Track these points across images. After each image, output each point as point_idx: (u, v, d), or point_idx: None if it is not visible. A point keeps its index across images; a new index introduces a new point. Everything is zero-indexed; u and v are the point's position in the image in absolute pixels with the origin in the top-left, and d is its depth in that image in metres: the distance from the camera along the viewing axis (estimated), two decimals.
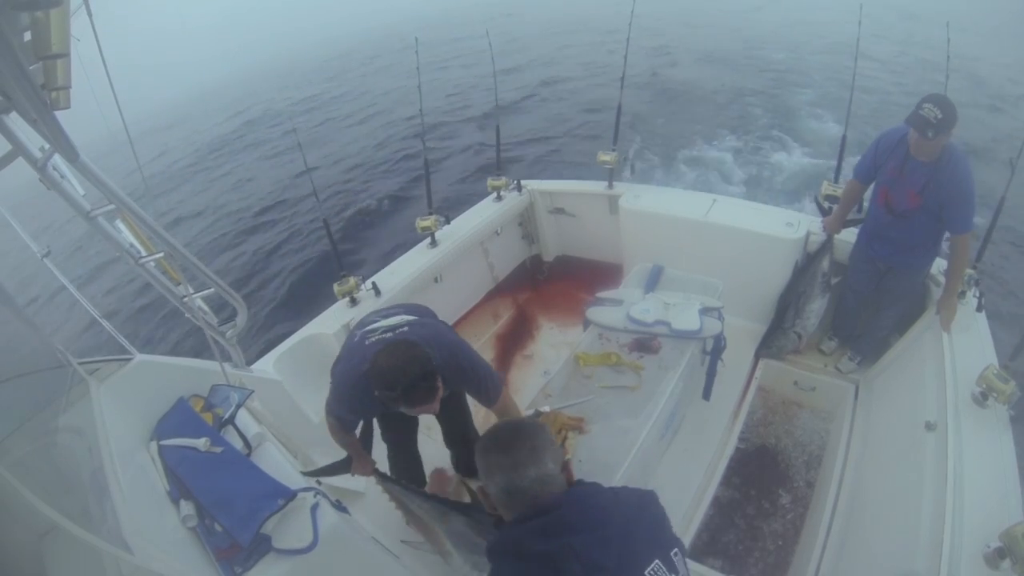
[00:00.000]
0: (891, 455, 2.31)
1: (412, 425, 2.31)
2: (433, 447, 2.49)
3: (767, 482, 2.70)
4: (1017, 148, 2.39)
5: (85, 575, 1.31)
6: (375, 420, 2.19)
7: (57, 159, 1.53)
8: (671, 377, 2.37)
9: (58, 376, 1.75)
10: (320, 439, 2.09)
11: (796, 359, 3.07)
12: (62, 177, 1.59)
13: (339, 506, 1.82)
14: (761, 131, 8.94)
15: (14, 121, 1.36)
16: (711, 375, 2.70)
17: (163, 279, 1.92)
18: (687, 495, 2.42)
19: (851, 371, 2.95)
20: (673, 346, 2.54)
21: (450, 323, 3.62)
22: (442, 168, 8.92)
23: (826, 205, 2.97)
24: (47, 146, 1.44)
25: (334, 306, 3.02)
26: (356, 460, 2.04)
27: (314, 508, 1.64)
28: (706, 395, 2.74)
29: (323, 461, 2.32)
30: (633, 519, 1.01)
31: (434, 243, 3.39)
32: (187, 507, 1.63)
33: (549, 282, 4.15)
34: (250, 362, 2.61)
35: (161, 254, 1.82)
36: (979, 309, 2.37)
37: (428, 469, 2.49)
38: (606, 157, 3.48)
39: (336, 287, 2.97)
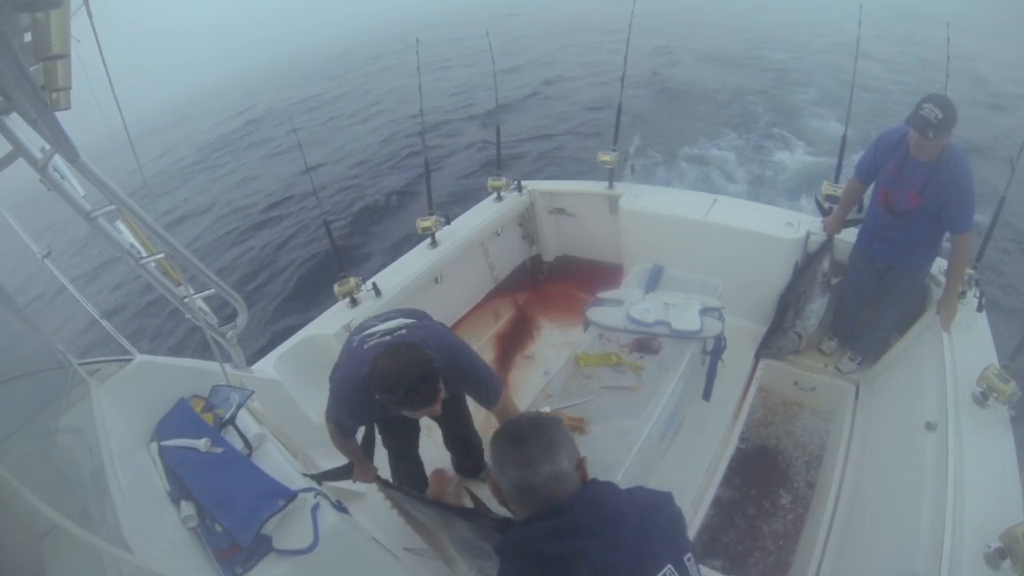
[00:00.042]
0: (891, 455, 2.31)
1: (413, 430, 2.29)
2: (433, 447, 2.49)
3: (767, 482, 2.70)
4: (1017, 147, 2.39)
5: (85, 575, 1.31)
6: (376, 427, 2.19)
7: (57, 160, 1.54)
8: (671, 377, 2.36)
9: (58, 376, 1.75)
10: (320, 440, 2.09)
11: (796, 359, 3.07)
12: (62, 178, 1.59)
13: (339, 506, 1.82)
14: (763, 130, 8.96)
15: (14, 122, 1.36)
16: (711, 375, 2.70)
17: (164, 280, 1.93)
18: (687, 495, 2.42)
19: (851, 371, 2.94)
20: (673, 346, 2.54)
21: (450, 323, 3.65)
22: (447, 165, 9.04)
23: (826, 205, 2.97)
24: (47, 147, 1.45)
25: (334, 307, 3.02)
26: (358, 467, 2.03)
27: (315, 508, 1.64)
28: (706, 395, 2.74)
29: (324, 462, 2.32)
30: (647, 522, 0.99)
31: (434, 243, 3.39)
32: (187, 507, 1.64)
33: (549, 282, 4.15)
34: (251, 362, 2.61)
35: (162, 255, 1.83)
36: (979, 309, 2.37)
37: (428, 470, 2.49)
38: (606, 157, 3.48)
39: (336, 287, 2.97)
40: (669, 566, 0.95)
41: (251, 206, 9.53)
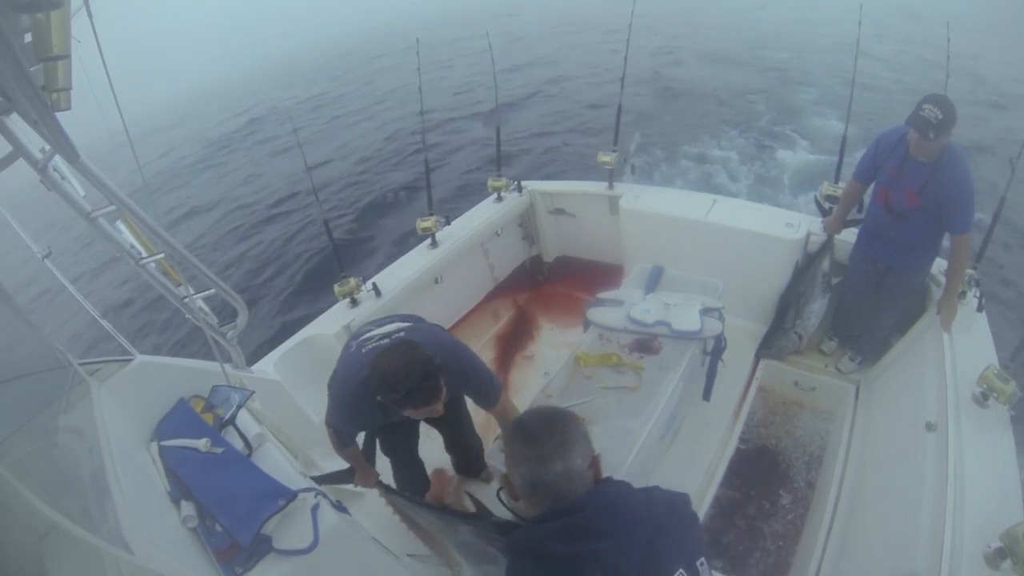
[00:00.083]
0: (891, 455, 2.31)
1: (412, 437, 2.28)
2: (433, 447, 2.49)
3: (767, 482, 2.70)
4: (1018, 147, 2.38)
5: (85, 575, 1.31)
6: (375, 437, 2.17)
7: (58, 160, 1.54)
8: (671, 378, 2.36)
9: (59, 377, 1.75)
10: (320, 440, 2.09)
11: (796, 359, 3.07)
12: (63, 178, 1.59)
13: (339, 506, 1.82)
14: (765, 128, 8.99)
15: (15, 122, 1.36)
16: (711, 375, 2.70)
17: (164, 280, 1.93)
18: None
19: (851, 371, 2.94)
20: (673, 346, 2.54)
21: (450, 323, 3.66)
22: (451, 161, 9.18)
23: (826, 205, 2.97)
24: (48, 147, 1.45)
25: (334, 307, 3.02)
26: (359, 472, 2.02)
27: (314, 508, 1.64)
28: (706, 395, 2.74)
29: (324, 462, 2.32)
30: (661, 524, 0.97)
31: (434, 244, 3.39)
32: (188, 507, 1.64)
33: (549, 283, 4.15)
34: (252, 360, 2.62)
35: (161, 255, 1.83)
36: (979, 309, 2.37)
37: (428, 469, 2.49)
38: (606, 158, 3.48)
39: (336, 288, 2.97)
40: (681, 570, 0.93)
41: (258, 202, 9.63)
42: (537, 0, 27.42)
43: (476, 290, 3.87)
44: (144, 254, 1.82)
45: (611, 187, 3.62)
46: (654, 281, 2.84)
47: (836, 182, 2.98)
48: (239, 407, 1.97)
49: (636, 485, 1.10)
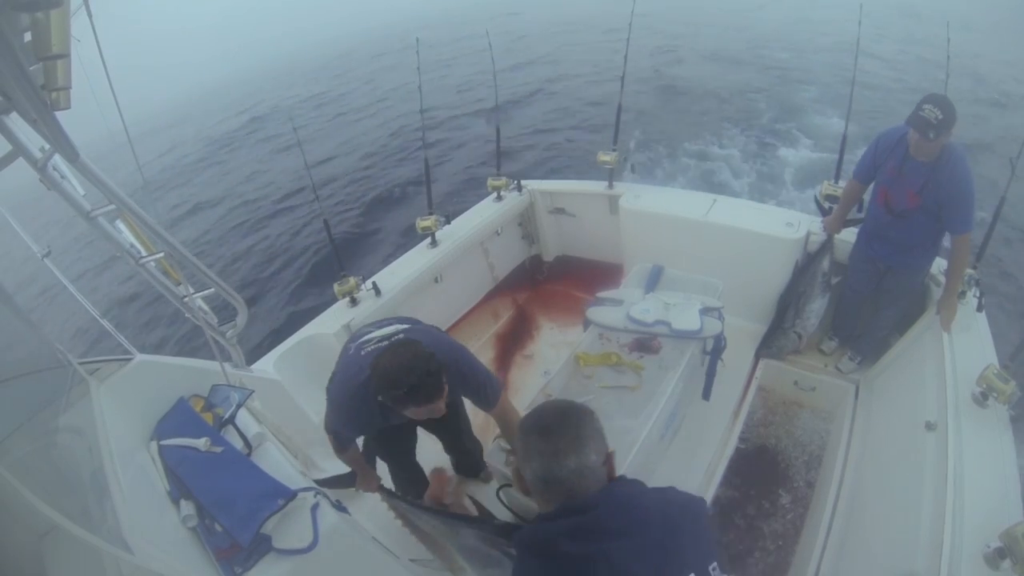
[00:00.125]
0: (891, 455, 2.31)
1: (410, 440, 2.27)
2: (432, 447, 2.49)
3: (767, 482, 2.70)
4: (1018, 147, 2.38)
5: (85, 575, 1.31)
6: (373, 443, 2.17)
7: (57, 159, 1.54)
8: (671, 377, 2.36)
9: (58, 376, 1.75)
10: (321, 439, 2.09)
11: (796, 359, 3.07)
12: (62, 177, 1.59)
13: (339, 506, 1.82)
14: (767, 126, 9.03)
15: (14, 121, 1.36)
16: (711, 375, 2.70)
17: (163, 279, 1.93)
18: None
19: (851, 371, 2.94)
20: (673, 346, 2.54)
21: (450, 323, 3.66)
22: (454, 157, 9.34)
23: (826, 205, 2.96)
24: (47, 146, 1.45)
25: (334, 306, 3.02)
26: (361, 476, 2.01)
27: (314, 508, 1.64)
28: (706, 395, 2.74)
29: (324, 462, 2.32)
30: (674, 526, 0.95)
31: (434, 243, 3.39)
32: (187, 507, 1.64)
33: (549, 282, 4.15)
34: (254, 358, 2.62)
35: (161, 254, 1.83)
36: (979, 309, 2.37)
37: (427, 469, 2.49)
38: (606, 157, 3.47)
39: (336, 287, 2.97)
40: (692, 574, 0.91)
41: (263, 198, 9.76)
42: (537, 0, 27.47)
43: (476, 289, 3.87)
44: (144, 253, 1.82)
45: (611, 186, 3.62)
46: (654, 281, 2.84)
47: (836, 181, 2.98)
48: (239, 406, 1.97)
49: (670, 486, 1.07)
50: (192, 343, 5.82)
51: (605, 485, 0.98)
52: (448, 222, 3.54)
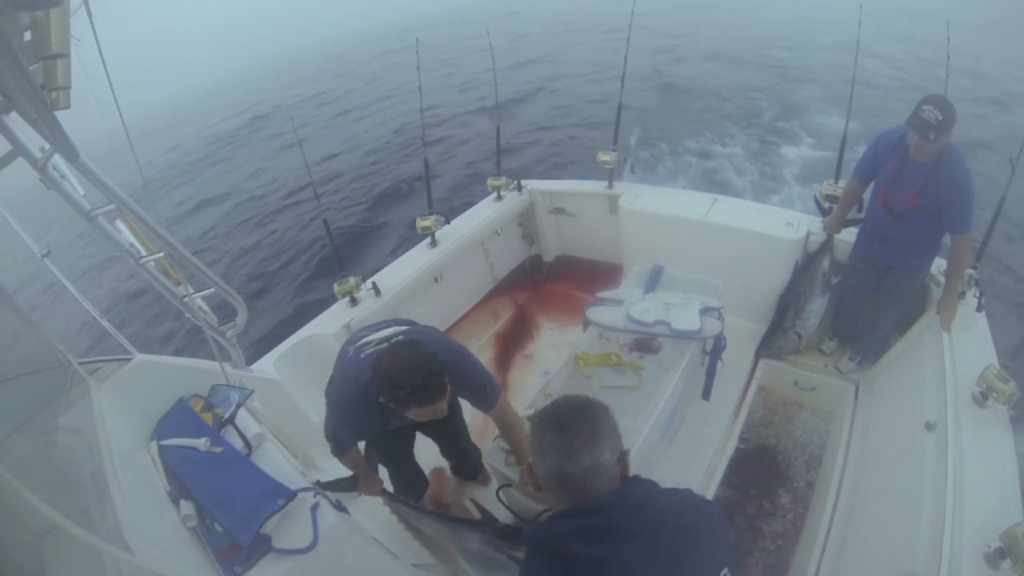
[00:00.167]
0: (891, 455, 2.31)
1: (408, 443, 2.26)
2: (431, 447, 2.49)
3: (767, 482, 2.70)
4: (1018, 147, 2.38)
5: (85, 575, 1.31)
6: (372, 448, 2.16)
7: (57, 159, 1.54)
8: (671, 377, 2.36)
9: (58, 376, 1.75)
10: (321, 439, 2.09)
11: (796, 359, 3.07)
12: (62, 177, 1.59)
13: (339, 506, 1.81)
14: (768, 124, 9.06)
15: (14, 121, 1.36)
16: (711, 375, 2.70)
17: (163, 279, 1.92)
18: None
19: (851, 371, 2.94)
20: (673, 346, 2.54)
21: (450, 323, 3.66)
22: (459, 154, 9.49)
23: (826, 205, 2.96)
24: (47, 146, 1.44)
25: (334, 306, 3.02)
26: (363, 480, 2.00)
27: (314, 508, 1.64)
28: (706, 395, 2.74)
29: (324, 462, 2.32)
30: (688, 528, 0.93)
31: (434, 243, 3.39)
32: (187, 507, 1.63)
33: (549, 282, 4.15)
34: (256, 356, 2.62)
35: (161, 254, 1.83)
36: (979, 309, 2.37)
37: (426, 469, 2.49)
38: (606, 157, 3.47)
39: (336, 287, 2.97)
40: None
41: (270, 193, 9.85)
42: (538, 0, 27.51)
43: (476, 289, 3.87)
44: (143, 253, 1.82)
45: (611, 186, 3.62)
46: (654, 281, 2.84)
47: (836, 182, 2.98)
48: (238, 406, 1.97)
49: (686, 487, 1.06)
50: (200, 335, 5.86)
51: (619, 484, 0.97)
52: (448, 222, 3.54)
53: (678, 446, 2.69)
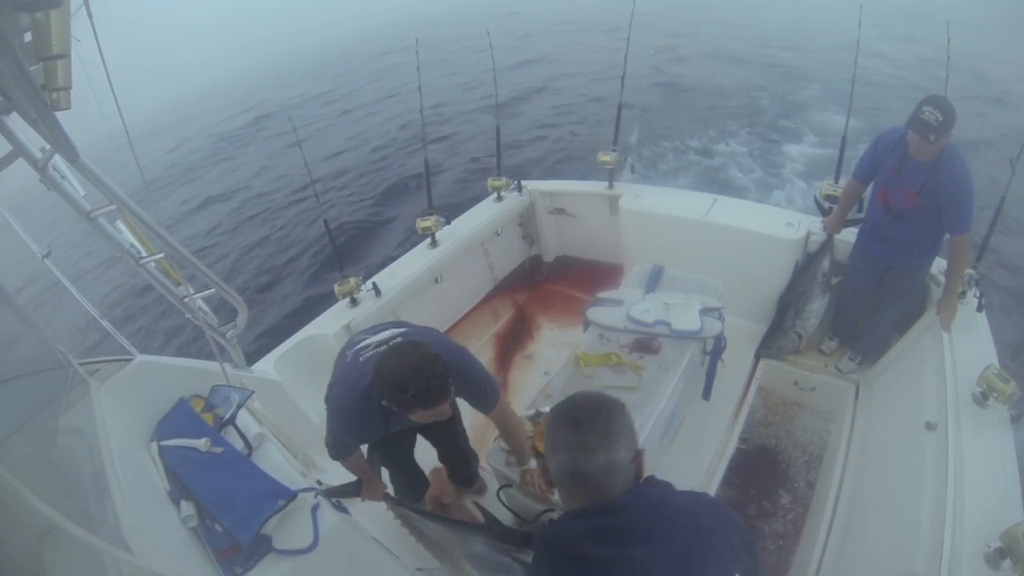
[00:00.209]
0: (891, 455, 2.31)
1: (409, 444, 2.25)
2: (430, 450, 2.49)
3: (767, 482, 2.70)
4: (1018, 147, 2.38)
5: (85, 575, 1.31)
6: (373, 452, 2.15)
7: (57, 159, 1.54)
8: (671, 377, 2.36)
9: (58, 376, 1.75)
10: (321, 440, 2.09)
11: (796, 359, 3.07)
12: (62, 177, 1.59)
13: (339, 506, 1.82)
14: (771, 122, 9.09)
15: (14, 122, 1.36)
16: (711, 375, 2.70)
17: (163, 279, 1.93)
18: None
19: (851, 371, 2.94)
20: (673, 346, 2.54)
21: (450, 323, 3.66)
22: (464, 150, 9.63)
23: (826, 205, 2.96)
24: (47, 146, 1.45)
25: (334, 307, 3.02)
26: (366, 485, 1.98)
27: (314, 509, 1.65)
28: (706, 395, 2.74)
29: (324, 462, 2.31)
30: (702, 533, 0.92)
31: (434, 243, 3.39)
32: (187, 507, 1.64)
33: (549, 282, 4.15)
34: (258, 356, 2.62)
35: (161, 255, 1.83)
36: (979, 309, 2.37)
37: (426, 470, 2.49)
38: (606, 158, 3.47)
39: (336, 287, 2.97)
40: None
41: (277, 190, 9.96)
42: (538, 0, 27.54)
43: (476, 290, 3.87)
44: (144, 253, 1.82)
45: (611, 187, 3.62)
46: (654, 281, 2.84)
47: (836, 182, 2.98)
48: (239, 407, 1.97)
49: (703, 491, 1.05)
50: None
51: (633, 485, 0.95)
52: (448, 222, 3.54)
53: (678, 446, 2.69)
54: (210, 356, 2.06)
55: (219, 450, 1.78)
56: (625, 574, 0.85)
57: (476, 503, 2.08)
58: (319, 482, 1.94)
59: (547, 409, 2.25)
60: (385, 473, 2.29)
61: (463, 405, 1.99)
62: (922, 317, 2.56)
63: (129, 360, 1.97)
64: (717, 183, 7.31)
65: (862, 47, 2.98)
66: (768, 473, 2.75)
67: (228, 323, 2.19)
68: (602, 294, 2.79)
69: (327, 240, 3.24)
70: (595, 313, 2.67)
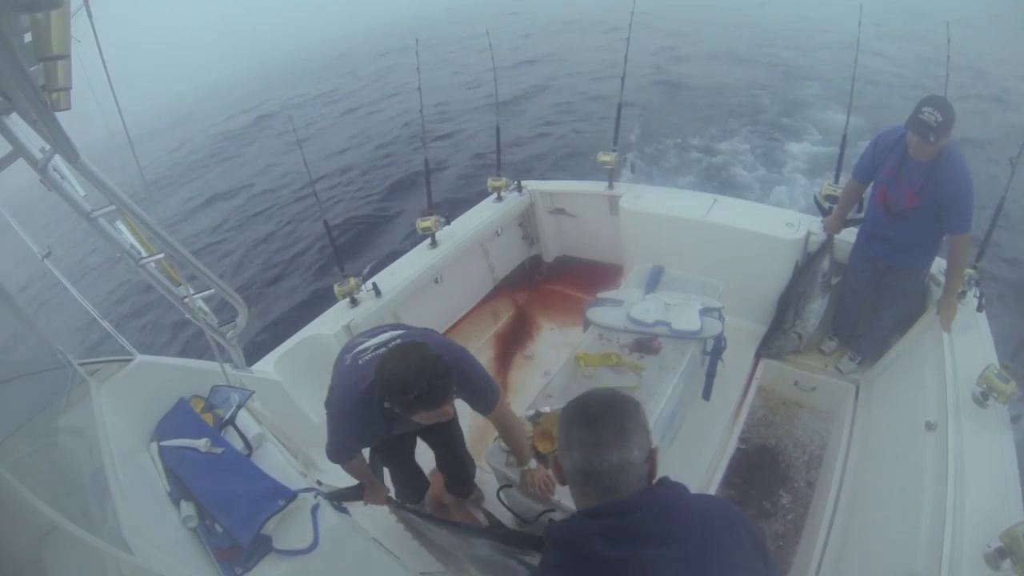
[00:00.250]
0: (891, 455, 2.30)
1: (410, 445, 2.25)
2: (429, 452, 2.49)
3: (767, 482, 2.70)
4: (1018, 146, 2.38)
5: (85, 575, 1.31)
6: (374, 454, 2.14)
7: (57, 160, 1.54)
8: (671, 377, 2.36)
9: (59, 377, 1.75)
10: (321, 440, 2.10)
11: (796, 359, 3.07)
12: (62, 178, 1.59)
13: (339, 507, 1.82)
14: (773, 121, 9.12)
15: (15, 122, 1.36)
16: (711, 375, 2.70)
17: (164, 280, 1.93)
18: None
19: (851, 371, 2.94)
20: (673, 346, 2.54)
21: (450, 323, 3.66)
22: (468, 147, 9.74)
23: (826, 205, 2.96)
24: (47, 147, 1.45)
25: (334, 307, 3.02)
26: (369, 489, 1.98)
27: (314, 509, 1.65)
28: (706, 395, 2.74)
29: (324, 462, 2.32)
30: (715, 536, 0.90)
31: (434, 244, 3.39)
32: (187, 508, 1.64)
33: (549, 282, 4.15)
34: (256, 356, 2.62)
35: (161, 255, 1.83)
36: (979, 309, 2.37)
37: (426, 471, 2.49)
38: (606, 158, 3.47)
39: (336, 288, 2.97)
40: None
41: (283, 187, 10.04)
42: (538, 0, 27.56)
43: (476, 290, 3.87)
44: (144, 254, 1.82)
45: (611, 187, 3.62)
46: (654, 281, 2.84)
47: (836, 182, 2.98)
48: (239, 407, 1.97)
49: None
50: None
51: (647, 485, 0.95)
52: (448, 222, 3.54)
53: (678, 446, 2.69)
54: (211, 355, 2.06)
55: (219, 450, 1.79)
56: (635, 575, 0.84)
57: (483, 508, 2.07)
58: (319, 482, 1.94)
59: (547, 409, 2.26)
60: (385, 473, 2.29)
61: (460, 409, 1.98)
62: (922, 317, 2.56)
63: (129, 360, 1.97)
64: (720, 180, 7.33)
65: (862, 46, 2.98)
66: (768, 473, 2.75)
67: (228, 323, 2.19)
68: (602, 294, 2.79)
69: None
70: (595, 313, 2.67)
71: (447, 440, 2.28)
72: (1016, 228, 5.15)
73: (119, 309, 7.34)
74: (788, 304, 2.97)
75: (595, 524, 0.89)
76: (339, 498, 1.95)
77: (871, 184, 2.58)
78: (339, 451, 1.78)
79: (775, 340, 3.03)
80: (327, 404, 1.77)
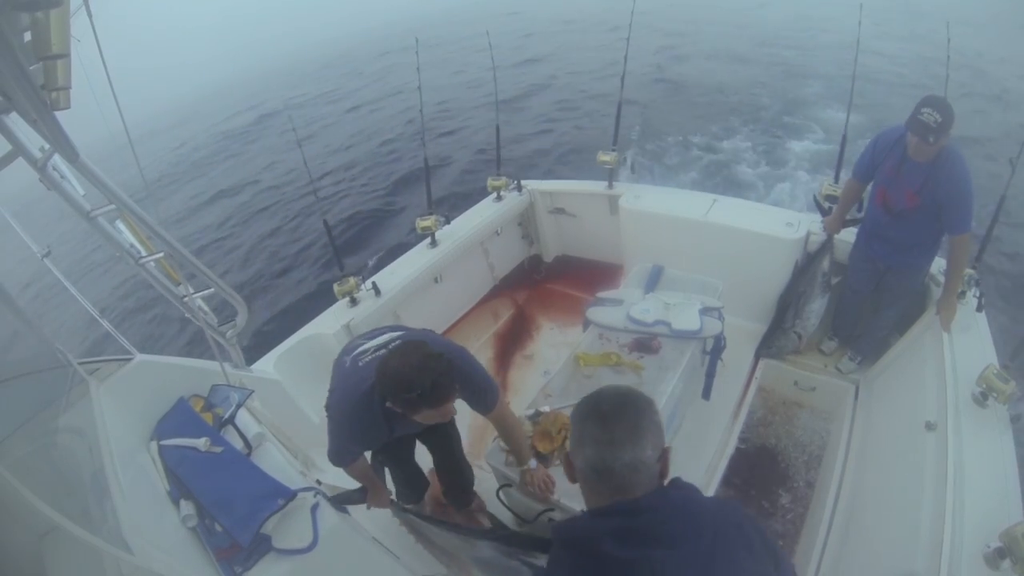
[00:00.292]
0: (891, 455, 2.30)
1: (410, 447, 2.24)
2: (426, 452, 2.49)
3: (767, 482, 2.70)
4: (1018, 146, 2.38)
5: (85, 575, 1.31)
6: (374, 456, 2.13)
7: (57, 159, 1.54)
8: (671, 377, 2.36)
9: (58, 376, 1.75)
10: (321, 440, 2.09)
11: (796, 359, 3.07)
12: (62, 177, 1.59)
13: (339, 507, 1.82)
14: (774, 119, 9.13)
15: (14, 121, 1.36)
16: (711, 375, 2.70)
17: (163, 279, 1.93)
18: None
19: (851, 371, 2.94)
20: (673, 346, 2.53)
21: (450, 323, 3.67)
22: (471, 143, 9.80)
23: (826, 205, 2.96)
24: (47, 146, 1.45)
25: (334, 306, 3.02)
26: (371, 492, 1.97)
27: (314, 508, 1.65)
28: (706, 395, 2.74)
29: (324, 462, 2.32)
30: (726, 539, 0.89)
31: (434, 243, 3.39)
32: (187, 507, 1.64)
33: (549, 282, 4.15)
34: (255, 355, 2.62)
35: (161, 254, 1.83)
36: (979, 309, 2.37)
37: (425, 470, 2.49)
38: (606, 157, 3.47)
39: (336, 287, 2.97)
40: None
41: (287, 184, 10.13)
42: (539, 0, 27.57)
43: (476, 289, 3.87)
44: (143, 253, 1.82)
45: (611, 187, 3.62)
46: (654, 281, 2.84)
47: (835, 182, 2.98)
48: (238, 406, 1.97)
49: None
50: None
51: (659, 485, 0.94)
52: (448, 222, 3.54)
53: (678, 446, 2.68)
54: (212, 353, 2.06)
55: (219, 450, 1.79)
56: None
57: (488, 512, 2.06)
58: (318, 481, 1.94)
59: (547, 409, 2.26)
60: (385, 473, 2.29)
61: (459, 409, 1.98)
62: (922, 317, 2.56)
63: (129, 360, 1.97)
64: (722, 177, 7.35)
65: (862, 45, 2.98)
66: (768, 473, 2.75)
67: (228, 322, 2.19)
68: (602, 294, 2.78)
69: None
70: (595, 313, 2.67)
71: (446, 443, 2.26)
72: (1017, 223, 5.15)
73: (125, 304, 7.42)
74: (788, 304, 2.97)
75: (605, 523, 0.88)
76: (342, 501, 1.95)
77: (871, 184, 2.58)
78: (341, 454, 1.77)
79: (775, 340, 3.03)
80: (327, 407, 1.76)
